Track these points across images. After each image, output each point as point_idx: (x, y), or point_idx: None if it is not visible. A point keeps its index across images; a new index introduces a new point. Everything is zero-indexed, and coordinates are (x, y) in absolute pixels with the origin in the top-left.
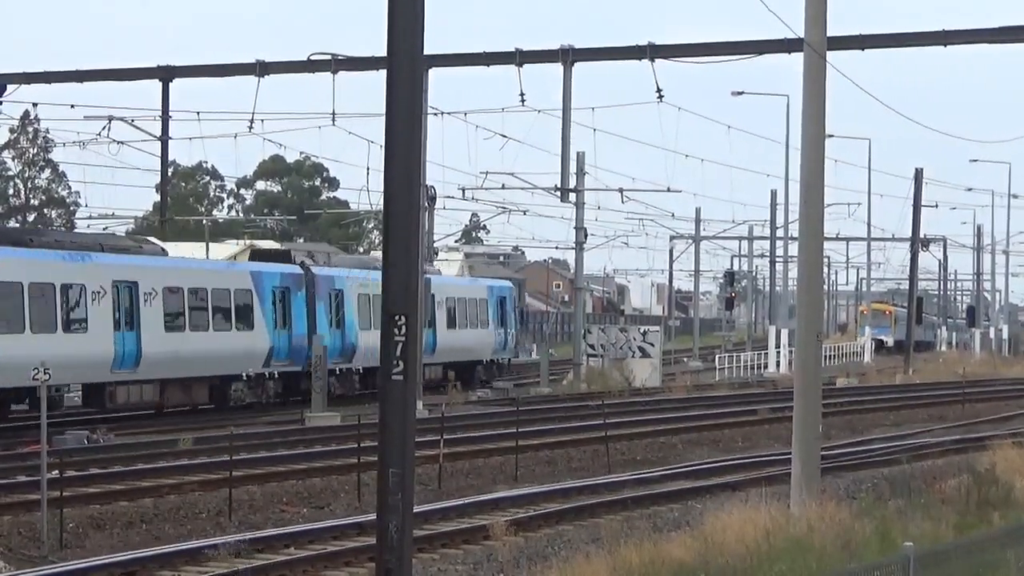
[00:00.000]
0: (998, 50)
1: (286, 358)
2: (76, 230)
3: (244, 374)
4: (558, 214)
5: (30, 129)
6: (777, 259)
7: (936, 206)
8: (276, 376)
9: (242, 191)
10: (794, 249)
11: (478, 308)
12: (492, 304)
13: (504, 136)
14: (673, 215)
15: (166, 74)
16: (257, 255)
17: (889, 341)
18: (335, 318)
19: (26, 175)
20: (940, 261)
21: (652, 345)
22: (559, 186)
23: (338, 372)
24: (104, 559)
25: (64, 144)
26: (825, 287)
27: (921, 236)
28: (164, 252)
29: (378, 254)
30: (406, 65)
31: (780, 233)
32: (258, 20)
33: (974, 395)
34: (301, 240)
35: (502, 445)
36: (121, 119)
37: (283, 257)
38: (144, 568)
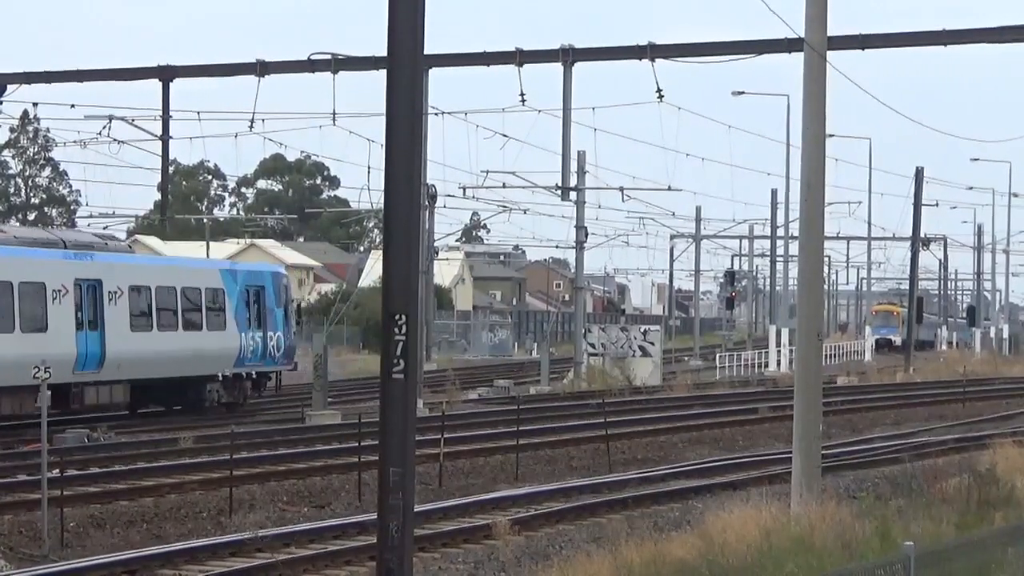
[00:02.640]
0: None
1: None
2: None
3: None
4: (559, 213)
5: (30, 128)
6: (778, 258)
7: (936, 205)
8: None
9: (243, 190)
10: (794, 248)
11: (204, 301)
12: (235, 296)
13: (505, 135)
14: (674, 214)
15: (166, 74)
16: None
17: (897, 341)
18: None
19: (27, 174)
20: (940, 260)
21: (652, 344)
22: (560, 185)
23: None
24: (105, 558)
25: (64, 143)
26: (825, 286)
27: (922, 235)
28: None
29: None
30: (406, 65)
31: (781, 232)
32: (258, 20)
33: (975, 394)
34: (301, 239)
35: (503, 444)
36: (121, 119)
37: None
38: (145, 567)
